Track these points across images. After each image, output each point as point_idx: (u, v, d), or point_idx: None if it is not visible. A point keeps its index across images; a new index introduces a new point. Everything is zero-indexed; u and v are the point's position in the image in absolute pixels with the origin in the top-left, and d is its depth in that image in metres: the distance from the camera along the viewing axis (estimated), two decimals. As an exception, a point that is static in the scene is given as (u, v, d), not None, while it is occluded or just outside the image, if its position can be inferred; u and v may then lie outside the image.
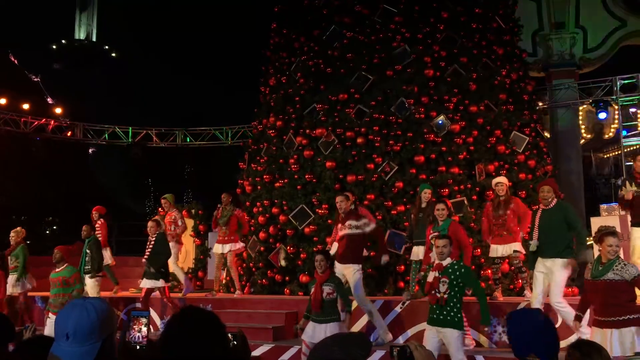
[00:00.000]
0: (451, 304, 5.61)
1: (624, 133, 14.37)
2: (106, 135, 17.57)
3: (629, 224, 7.93)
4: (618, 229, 8.43)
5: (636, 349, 4.98)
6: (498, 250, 8.17)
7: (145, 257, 9.02)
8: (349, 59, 11.03)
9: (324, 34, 11.48)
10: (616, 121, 14.22)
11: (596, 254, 9.20)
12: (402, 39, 10.91)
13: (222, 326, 1.99)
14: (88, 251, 9.84)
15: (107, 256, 10.99)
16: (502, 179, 8.48)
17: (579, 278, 9.20)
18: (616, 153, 17.40)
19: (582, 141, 15.17)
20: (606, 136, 15.40)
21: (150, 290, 8.95)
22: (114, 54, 24.29)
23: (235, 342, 2.32)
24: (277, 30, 12.61)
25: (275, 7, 12.87)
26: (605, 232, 5.28)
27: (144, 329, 2.28)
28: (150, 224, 9.18)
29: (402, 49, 10.83)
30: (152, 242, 8.97)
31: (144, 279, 8.96)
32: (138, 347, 2.24)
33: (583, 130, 15.14)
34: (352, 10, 11.35)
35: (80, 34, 23.31)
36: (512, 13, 12.38)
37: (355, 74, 10.83)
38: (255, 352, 7.64)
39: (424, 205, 8.38)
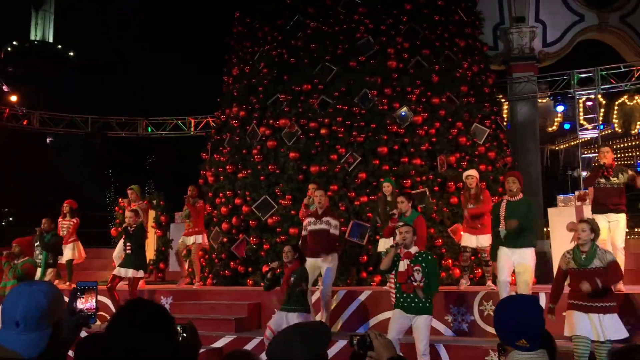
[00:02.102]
0: (427, 292, 5.79)
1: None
2: (64, 124, 17.15)
3: (591, 212, 8.10)
4: (574, 219, 8.73)
5: (620, 335, 5.33)
6: (472, 240, 8.33)
7: (129, 247, 8.78)
8: (312, 49, 11.00)
9: (288, 23, 11.42)
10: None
11: (553, 244, 9.47)
12: (365, 30, 10.93)
13: (170, 319, 1.96)
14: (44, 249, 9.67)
15: (69, 252, 10.74)
16: (473, 172, 8.63)
17: (537, 267, 9.47)
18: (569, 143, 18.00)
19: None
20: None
21: (132, 279, 8.73)
22: (71, 54, 23.59)
23: (184, 335, 2.30)
24: (241, 19, 12.49)
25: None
26: (580, 220, 5.83)
27: (93, 300, 2.29)
28: (128, 214, 9.00)
29: (366, 40, 10.86)
30: (131, 231, 8.75)
31: (119, 268, 8.76)
32: (87, 316, 2.26)
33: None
34: (316, 1, 11.31)
35: (37, 34, 22.60)
36: (473, 6, 12.54)
37: (319, 64, 10.81)
38: (217, 344, 7.61)
39: (389, 198, 8.44)
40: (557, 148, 18.79)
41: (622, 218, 7.68)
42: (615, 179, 7.63)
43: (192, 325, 2.38)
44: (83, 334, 2.54)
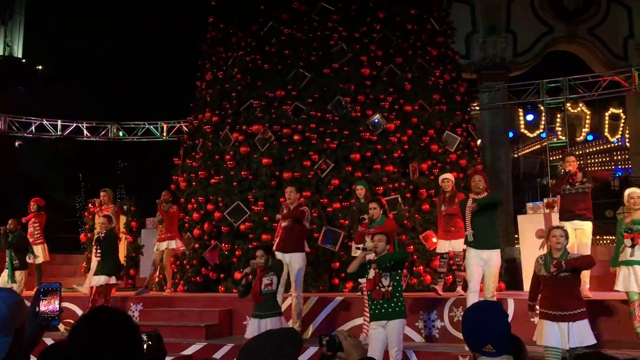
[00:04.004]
0: (397, 295, 5.72)
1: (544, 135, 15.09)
2: (33, 128, 16.86)
3: (558, 219, 8.24)
4: (542, 227, 8.87)
5: (588, 341, 5.41)
6: (446, 245, 8.42)
7: (98, 254, 8.69)
8: (286, 55, 11.01)
9: (262, 29, 11.41)
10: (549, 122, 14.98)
11: (522, 251, 9.60)
12: (339, 37, 10.98)
13: (134, 327, 1.94)
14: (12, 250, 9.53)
15: (41, 253, 10.61)
16: (448, 175, 8.74)
17: (507, 273, 9.61)
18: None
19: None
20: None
21: (103, 287, 8.62)
22: (39, 67, 23.11)
23: (150, 342, 2.27)
24: (214, 24, 12.44)
25: (213, 1, 12.69)
26: (552, 227, 5.80)
27: (56, 302, 2.27)
28: (101, 219, 8.91)
29: (339, 48, 10.91)
30: (102, 237, 8.68)
31: (94, 277, 8.68)
32: (50, 318, 2.24)
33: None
34: (290, 7, 11.33)
35: (5, 50, 22.13)
36: (446, 16, 12.69)
37: (293, 70, 10.82)
38: (187, 351, 7.54)
39: (362, 201, 8.46)
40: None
41: (587, 226, 7.83)
42: (579, 184, 7.81)
43: (157, 333, 2.36)
44: (49, 341, 2.51)
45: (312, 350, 6.89)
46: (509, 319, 6.80)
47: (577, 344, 5.37)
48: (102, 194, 10.93)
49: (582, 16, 15.58)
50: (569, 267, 5.44)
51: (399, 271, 5.81)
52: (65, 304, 9.34)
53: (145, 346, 2.24)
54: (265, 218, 9.72)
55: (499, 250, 6.87)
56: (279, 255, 7.58)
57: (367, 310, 7.13)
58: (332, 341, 2.29)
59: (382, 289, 5.72)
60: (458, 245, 8.34)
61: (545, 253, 5.81)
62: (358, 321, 7.75)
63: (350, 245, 8.87)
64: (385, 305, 5.74)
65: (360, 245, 6.94)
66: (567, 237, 5.72)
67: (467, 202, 6.91)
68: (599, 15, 15.59)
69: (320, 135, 10.22)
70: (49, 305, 2.25)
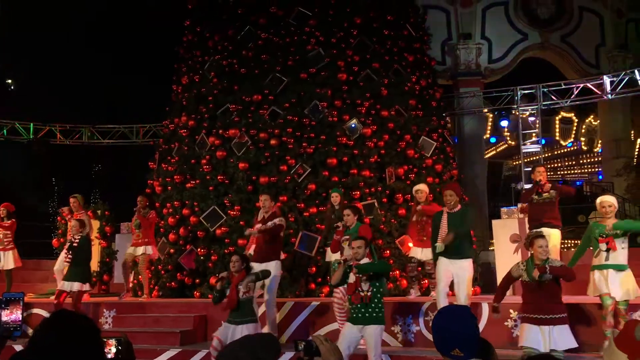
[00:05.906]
0: (375, 300, 5.74)
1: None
2: (4, 131, 16.56)
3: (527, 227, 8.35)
4: (516, 231, 8.97)
5: (569, 345, 5.42)
6: (418, 252, 8.45)
7: (68, 259, 8.57)
8: (263, 60, 10.98)
9: (239, 33, 11.38)
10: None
11: (497, 255, 9.68)
12: (316, 42, 11.00)
13: (96, 331, 1.90)
14: None
15: (11, 259, 10.40)
16: (422, 187, 8.74)
17: (482, 277, 9.70)
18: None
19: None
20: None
21: (75, 293, 8.50)
22: (9, 81, 22.74)
23: (119, 348, 2.24)
24: (191, 28, 12.38)
25: (189, 4, 12.62)
26: (535, 236, 5.74)
27: (18, 312, 2.21)
28: (73, 222, 8.81)
29: (316, 52, 10.92)
30: (76, 244, 8.55)
31: (63, 282, 8.55)
32: (12, 329, 2.18)
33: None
34: (267, 11, 11.32)
35: None
36: (422, 22, 12.81)
37: (270, 75, 10.80)
38: (162, 357, 7.45)
39: (337, 208, 8.46)
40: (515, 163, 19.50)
41: (554, 232, 7.88)
42: (546, 194, 7.91)
43: (126, 339, 2.32)
44: (19, 347, 2.45)
45: (288, 355, 6.86)
46: (484, 324, 6.91)
47: (558, 346, 5.36)
48: (71, 200, 10.73)
49: (555, 24, 15.85)
50: (552, 274, 5.47)
51: (383, 280, 5.88)
52: (35, 310, 9.18)
53: (114, 351, 2.20)
54: (241, 223, 9.66)
55: (470, 260, 6.91)
56: (256, 266, 7.51)
57: (339, 314, 7.22)
58: (308, 346, 2.29)
59: (361, 293, 5.74)
60: (429, 253, 8.38)
61: (527, 258, 5.83)
62: (334, 326, 7.73)
63: (326, 251, 8.87)
64: (363, 310, 5.75)
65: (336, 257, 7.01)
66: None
67: (442, 217, 6.95)
68: (572, 23, 15.88)
69: (297, 140, 10.21)
70: (11, 315, 2.19)
